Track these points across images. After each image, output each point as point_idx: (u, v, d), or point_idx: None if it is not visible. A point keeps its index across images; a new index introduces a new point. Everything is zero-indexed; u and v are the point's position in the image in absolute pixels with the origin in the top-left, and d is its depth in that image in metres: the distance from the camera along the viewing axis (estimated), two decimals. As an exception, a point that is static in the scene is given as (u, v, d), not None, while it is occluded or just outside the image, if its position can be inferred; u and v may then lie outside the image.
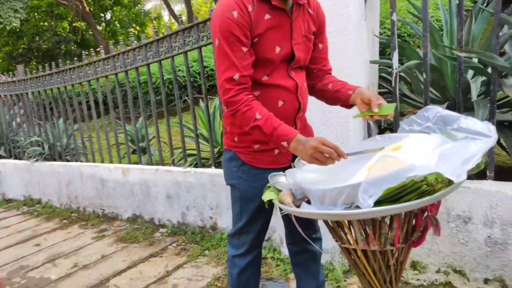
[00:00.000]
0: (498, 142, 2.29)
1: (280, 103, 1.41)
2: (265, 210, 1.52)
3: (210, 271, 2.64)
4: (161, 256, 2.96)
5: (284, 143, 1.30)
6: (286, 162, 1.52)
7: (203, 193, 3.04)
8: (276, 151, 1.49)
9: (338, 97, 1.50)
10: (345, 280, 2.27)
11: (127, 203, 3.69)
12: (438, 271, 2.12)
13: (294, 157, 1.52)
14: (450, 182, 0.94)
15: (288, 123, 1.39)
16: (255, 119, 1.31)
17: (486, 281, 1.98)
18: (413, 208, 0.97)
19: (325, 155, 1.20)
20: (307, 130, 1.58)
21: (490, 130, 1.04)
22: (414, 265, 2.19)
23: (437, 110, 1.25)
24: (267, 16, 1.34)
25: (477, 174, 2.17)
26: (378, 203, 0.98)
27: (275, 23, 1.35)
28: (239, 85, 1.32)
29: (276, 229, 2.65)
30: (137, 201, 3.58)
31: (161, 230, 3.41)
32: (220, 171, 2.90)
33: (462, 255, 2.02)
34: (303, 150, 1.24)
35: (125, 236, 3.41)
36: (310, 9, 1.46)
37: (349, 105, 1.49)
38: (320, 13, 1.51)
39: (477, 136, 1.08)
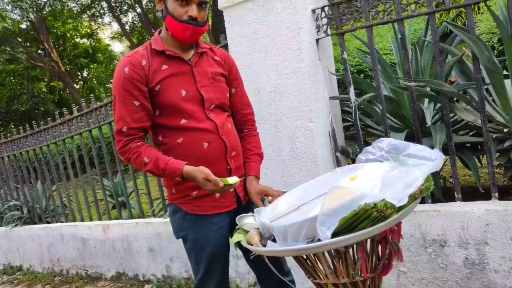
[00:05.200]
0: (465, 163, 2.35)
1: (205, 144, 1.46)
2: (220, 256, 1.54)
3: (197, 323, 2.55)
4: (146, 314, 2.86)
5: (178, 178, 1.40)
6: (231, 205, 1.54)
7: (185, 242, 2.99)
8: (217, 195, 1.50)
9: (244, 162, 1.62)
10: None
11: (110, 261, 3.58)
12: (424, 298, 2.10)
13: (238, 198, 1.55)
14: (400, 208, 0.98)
15: (219, 164, 1.48)
16: (145, 164, 1.41)
17: (470, 303, 1.97)
18: (368, 236, 1.00)
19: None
20: (241, 172, 1.58)
21: (434, 155, 1.09)
22: (399, 295, 2.17)
23: (389, 140, 1.32)
24: (164, 67, 1.44)
25: (448, 197, 2.24)
26: (337, 234, 1.00)
27: (174, 71, 1.45)
28: (128, 136, 1.42)
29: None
30: (120, 258, 3.48)
31: (146, 286, 3.30)
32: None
33: (444, 280, 2.02)
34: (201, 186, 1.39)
35: (109, 296, 3.30)
36: (216, 56, 1.56)
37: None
38: (229, 61, 1.61)
39: (425, 161, 1.13)
